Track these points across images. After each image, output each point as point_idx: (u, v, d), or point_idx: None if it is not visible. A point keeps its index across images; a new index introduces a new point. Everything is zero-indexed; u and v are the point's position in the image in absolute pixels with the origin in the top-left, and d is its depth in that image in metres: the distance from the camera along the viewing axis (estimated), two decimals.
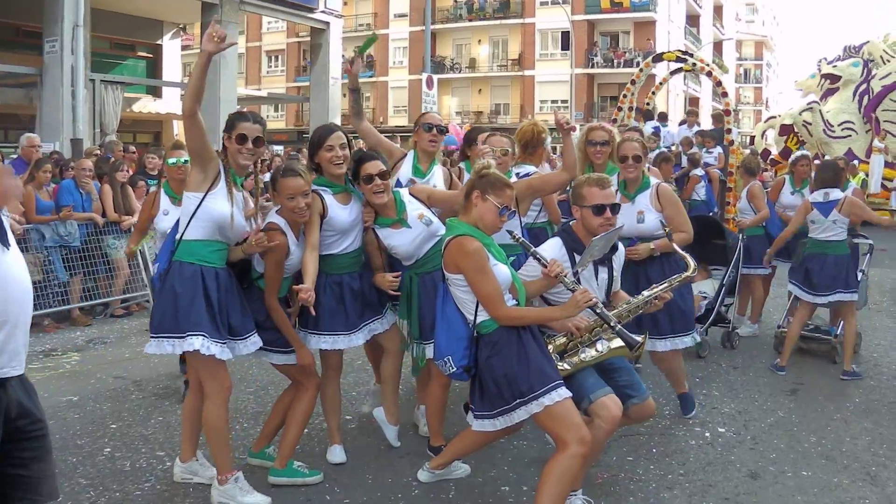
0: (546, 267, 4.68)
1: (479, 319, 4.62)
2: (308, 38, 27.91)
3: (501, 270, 4.62)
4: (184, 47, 32.91)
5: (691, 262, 5.64)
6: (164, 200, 7.24)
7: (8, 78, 19.93)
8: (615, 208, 4.99)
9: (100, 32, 23.44)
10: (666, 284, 5.33)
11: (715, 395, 7.58)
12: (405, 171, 6.25)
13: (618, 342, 4.82)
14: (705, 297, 9.23)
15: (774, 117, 25.97)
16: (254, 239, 5.00)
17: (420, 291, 5.67)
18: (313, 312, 5.16)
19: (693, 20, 62.17)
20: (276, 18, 35.45)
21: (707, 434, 6.55)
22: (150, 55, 27.53)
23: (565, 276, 4.66)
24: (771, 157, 24.58)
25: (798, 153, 10.36)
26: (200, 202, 4.94)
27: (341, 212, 5.53)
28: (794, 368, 8.53)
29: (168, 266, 5.00)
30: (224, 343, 4.92)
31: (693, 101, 57.81)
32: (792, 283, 8.73)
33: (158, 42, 27.24)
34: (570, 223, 5.25)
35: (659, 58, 18.11)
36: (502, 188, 4.66)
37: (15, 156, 13.15)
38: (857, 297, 8.57)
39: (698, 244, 9.37)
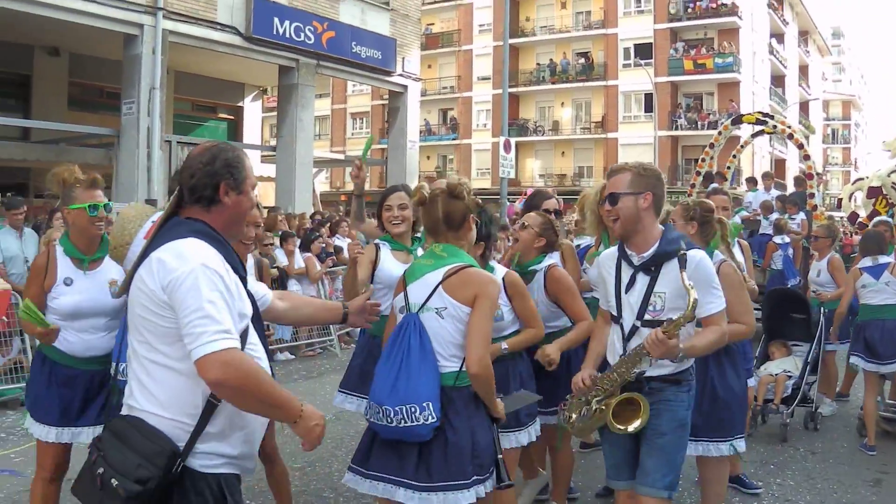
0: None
1: (456, 367, 4.00)
2: None
3: None
4: (266, 109, 33.39)
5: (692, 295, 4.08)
6: (64, 264, 4.95)
7: (90, 138, 20.29)
8: (611, 199, 4.27)
9: (182, 94, 23.96)
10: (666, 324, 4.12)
11: (790, 486, 6.97)
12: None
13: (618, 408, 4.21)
14: (790, 377, 8.66)
15: (862, 179, 25.10)
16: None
17: None
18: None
19: (778, 80, 61.17)
20: (353, 81, 35.73)
21: None
22: (232, 117, 27.93)
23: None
24: (859, 220, 23.74)
25: (877, 220, 9.87)
26: None
27: (393, 266, 5.39)
28: (878, 454, 7.90)
29: None
30: None
31: (779, 163, 56.72)
32: (854, 354, 8.37)
33: (240, 104, 27.63)
34: None
35: (738, 120, 17.61)
36: None
37: None
38: None
39: (778, 318, 8.89)
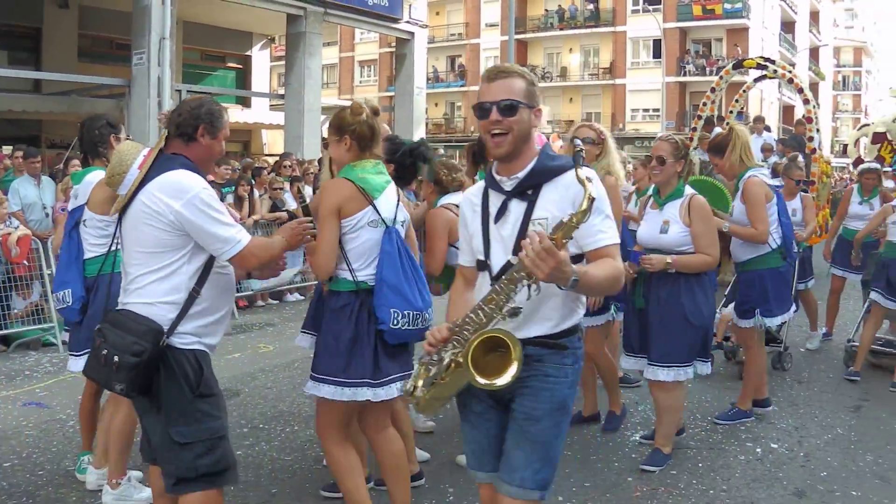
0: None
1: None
2: None
3: None
4: (274, 58, 33.54)
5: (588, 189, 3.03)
6: None
7: (101, 89, 20.50)
8: (507, 108, 3.29)
9: (191, 44, 24.18)
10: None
11: (774, 410, 7.31)
12: None
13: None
14: None
15: (867, 125, 25.20)
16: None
17: None
18: None
19: (788, 26, 60.83)
20: (361, 29, 35.80)
21: (758, 450, 6.38)
22: (240, 66, 28.15)
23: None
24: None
25: (864, 166, 10.05)
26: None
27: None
28: (862, 384, 8.30)
29: (91, 286, 5.25)
30: None
31: (788, 109, 56.67)
32: (875, 290, 8.57)
33: (248, 53, 27.84)
34: None
35: (739, 65, 17.73)
36: None
37: None
38: None
39: None
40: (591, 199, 2.99)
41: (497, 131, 3.31)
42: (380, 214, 4.40)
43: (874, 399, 7.84)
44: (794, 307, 7.21)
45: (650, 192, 6.18)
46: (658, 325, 5.83)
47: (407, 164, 5.27)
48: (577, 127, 6.64)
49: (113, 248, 5.08)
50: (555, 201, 3.29)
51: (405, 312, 4.35)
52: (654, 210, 5.99)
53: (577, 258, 3.26)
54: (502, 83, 3.33)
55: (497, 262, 3.39)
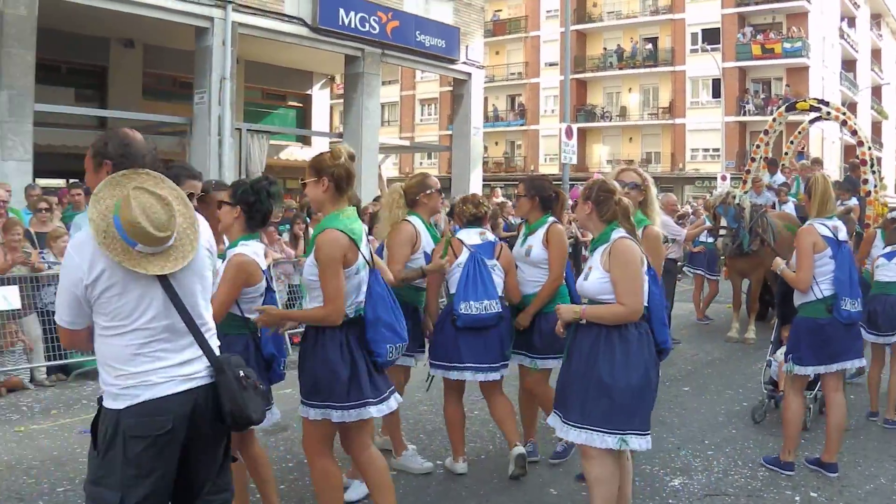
0: None
1: None
2: None
3: None
4: (336, 96, 34.03)
5: None
6: None
7: (163, 126, 20.95)
8: None
9: (252, 83, 24.62)
10: None
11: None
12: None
13: None
14: None
15: None
16: None
17: None
18: None
19: (849, 65, 60.31)
20: (418, 70, 36.13)
21: (797, 498, 6.35)
22: (300, 104, 28.57)
23: None
24: None
25: (893, 214, 9.92)
26: None
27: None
28: None
29: None
30: None
31: (850, 149, 55.92)
32: (860, 326, 8.51)
33: (308, 92, 28.24)
34: None
35: (792, 107, 17.67)
36: None
37: None
38: None
39: (790, 302, 8.77)
40: None
41: None
42: (364, 258, 4.92)
43: None
44: (839, 364, 6.87)
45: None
46: (578, 381, 5.03)
47: (251, 201, 5.13)
48: (620, 170, 6.52)
49: None
50: None
51: (397, 345, 4.98)
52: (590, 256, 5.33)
53: None
54: None
55: None
